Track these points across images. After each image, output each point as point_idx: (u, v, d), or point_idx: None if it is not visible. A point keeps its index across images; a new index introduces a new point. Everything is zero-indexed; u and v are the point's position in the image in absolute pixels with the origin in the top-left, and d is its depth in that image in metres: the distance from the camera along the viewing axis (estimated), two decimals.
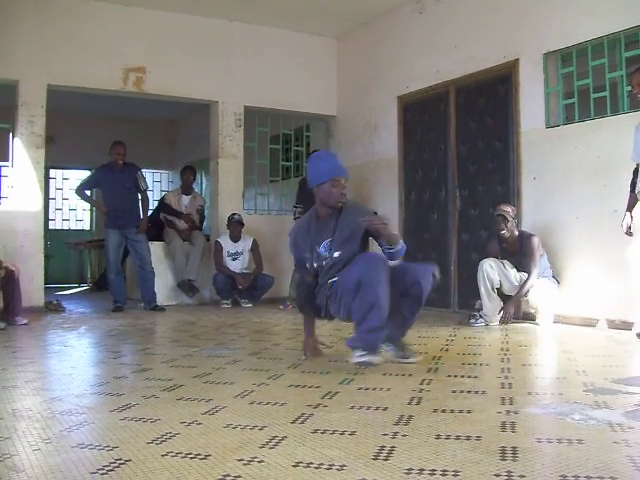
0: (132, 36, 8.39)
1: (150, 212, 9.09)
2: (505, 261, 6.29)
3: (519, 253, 6.25)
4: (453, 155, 7.71)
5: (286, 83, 9.40)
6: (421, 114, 8.24)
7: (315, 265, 4.23)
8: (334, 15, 8.98)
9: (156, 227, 9.04)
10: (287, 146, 10.26)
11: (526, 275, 6.12)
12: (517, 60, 6.85)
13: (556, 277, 6.27)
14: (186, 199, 9.10)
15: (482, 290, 6.25)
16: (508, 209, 6.30)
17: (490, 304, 6.25)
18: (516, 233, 6.32)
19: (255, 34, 9.22)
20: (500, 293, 6.29)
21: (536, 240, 6.18)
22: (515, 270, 6.21)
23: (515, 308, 6.26)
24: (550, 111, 6.57)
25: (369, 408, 3.03)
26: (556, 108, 6.58)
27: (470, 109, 7.51)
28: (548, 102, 6.58)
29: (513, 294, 6.21)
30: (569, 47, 6.35)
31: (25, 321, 6.54)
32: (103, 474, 2.16)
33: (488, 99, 7.28)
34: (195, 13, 8.76)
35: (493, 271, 6.22)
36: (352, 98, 9.51)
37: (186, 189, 9.18)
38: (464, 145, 7.58)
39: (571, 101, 6.43)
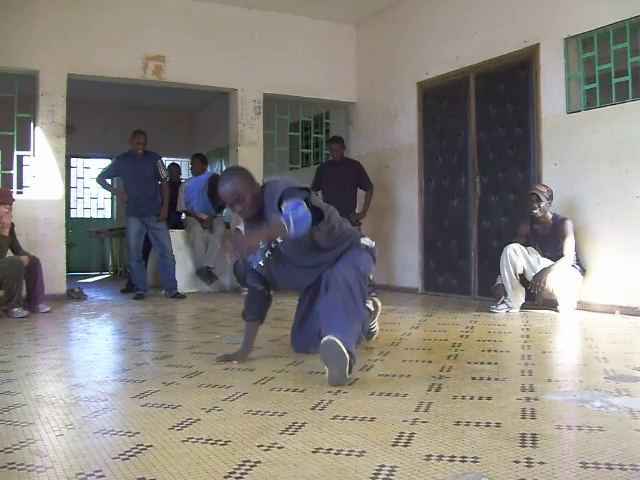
0: (151, 24, 8.39)
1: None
2: (530, 247, 6.24)
3: (550, 236, 6.18)
4: (473, 141, 7.67)
5: (305, 70, 9.38)
6: (441, 100, 8.19)
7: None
8: (352, 1, 8.95)
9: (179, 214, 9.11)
10: (307, 133, 10.25)
11: (550, 263, 6.04)
12: (537, 45, 6.78)
13: (582, 265, 6.20)
14: None
15: (505, 275, 6.20)
16: (543, 189, 6.21)
17: (512, 289, 6.21)
18: (549, 215, 6.23)
19: (274, 21, 9.20)
20: (523, 280, 6.24)
21: (570, 223, 6.09)
22: (539, 256, 6.15)
23: (545, 278, 5.94)
24: (571, 96, 6.50)
25: (389, 394, 3.04)
26: (577, 93, 6.51)
27: (490, 95, 7.45)
28: (569, 87, 6.51)
29: None
30: (590, 31, 6.27)
31: (47, 309, 6.61)
32: (125, 459, 2.18)
33: (508, 85, 7.22)
34: (214, 1, 8.75)
35: (517, 256, 6.15)
36: (371, 85, 9.48)
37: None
38: (484, 131, 7.53)
39: (592, 86, 6.36)
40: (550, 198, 6.22)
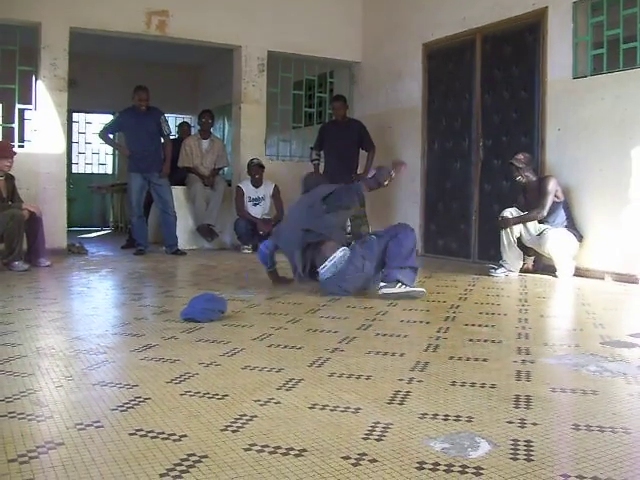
0: None
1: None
2: (526, 212, 6.27)
3: (539, 199, 6.21)
4: (477, 105, 7.61)
5: (310, 28, 9.26)
6: (446, 62, 8.12)
7: None
8: None
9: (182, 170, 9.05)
10: (310, 92, 10.18)
11: (545, 227, 6.08)
12: (546, 8, 6.69)
13: (578, 230, 6.21)
14: (205, 143, 9.03)
15: (503, 239, 6.26)
16: (520, 156, 6.31)
17: (511, 253, 6.26)
18: (533, 179, 6.30)
19: None
20: (520, 244, 6.28)
21: (551, 181, 6.13)
22: (536, 221, 6.18)
23: (507, 225, 6.25)
24: (578, 61, 6.43)
25: (386, 354, 3.07)
26: (584, 58, 6.44)
27: (496, 58, 7.38)
28: (576, 52, 6.44)
29: (532, 245, 6.20)
30: None
31: (48, 263, 6.63)
32: (123, 411, 2.22)
33: (515, 48, 7.14)
34: None
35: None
36: (377, 45, 9.38)
37: (204, 133, 9.12)
38: (489, 94, 7.47)
39: (600, 51, 6.28)
40: (529, 163, 6.32)
